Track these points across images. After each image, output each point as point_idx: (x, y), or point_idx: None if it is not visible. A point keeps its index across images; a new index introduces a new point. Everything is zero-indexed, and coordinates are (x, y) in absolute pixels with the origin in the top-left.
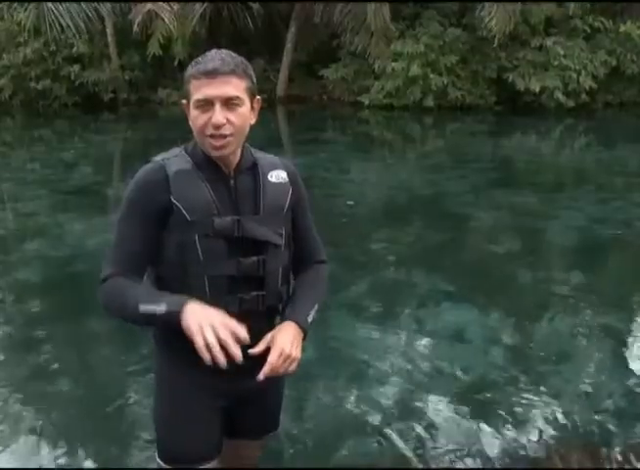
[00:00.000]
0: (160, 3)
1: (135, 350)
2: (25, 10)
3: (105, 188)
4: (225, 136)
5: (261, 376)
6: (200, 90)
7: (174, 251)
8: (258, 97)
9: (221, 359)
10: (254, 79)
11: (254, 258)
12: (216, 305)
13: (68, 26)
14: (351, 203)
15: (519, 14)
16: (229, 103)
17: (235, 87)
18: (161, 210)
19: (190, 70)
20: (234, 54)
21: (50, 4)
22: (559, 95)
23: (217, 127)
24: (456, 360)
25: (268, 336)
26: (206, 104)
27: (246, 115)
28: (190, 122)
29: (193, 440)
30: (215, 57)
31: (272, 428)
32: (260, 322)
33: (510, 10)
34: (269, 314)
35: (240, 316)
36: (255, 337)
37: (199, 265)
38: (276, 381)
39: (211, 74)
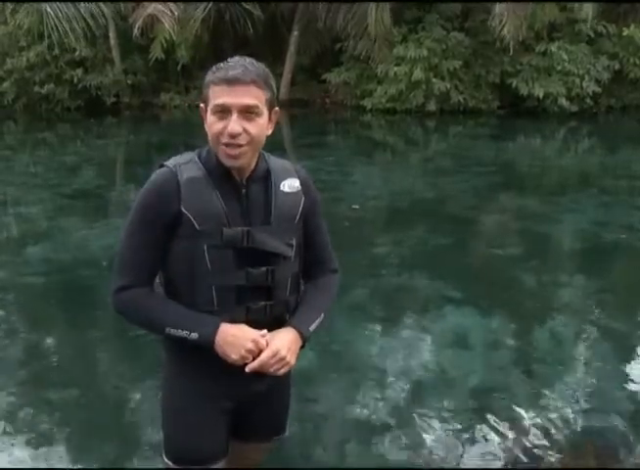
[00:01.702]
0: (161, 7)
1: (139, 351)
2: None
3: (107, 192)
4: (241, 146)
5: (247, 369)
6: (218, 97)
7: (183, 259)
8: (277, 108)
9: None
10: (275, 90)
11: (264, 269)
12: (223, 315)
13: (66, 32)
14: (357, 207)
15: (529, 17)
16: (247, 112)
17: (254, 97)
18: (172, 218)
19: (211, 75)
20: (257, 63)
21: (48, 6)
22: (562, 101)
23: (233, 137)
24: (459, 364)
25: (267, 336)
26: (224, 111)
27: (263, 125)
28: (206, 127)
29: (200, 439)
30: (237, 65)
31: (279, 431)
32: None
33: (521, 14)
34: (276, 323)
35: (247, 325)
36: None
37: (207, 275)
38: (281, 385)
39: (232, 83)
